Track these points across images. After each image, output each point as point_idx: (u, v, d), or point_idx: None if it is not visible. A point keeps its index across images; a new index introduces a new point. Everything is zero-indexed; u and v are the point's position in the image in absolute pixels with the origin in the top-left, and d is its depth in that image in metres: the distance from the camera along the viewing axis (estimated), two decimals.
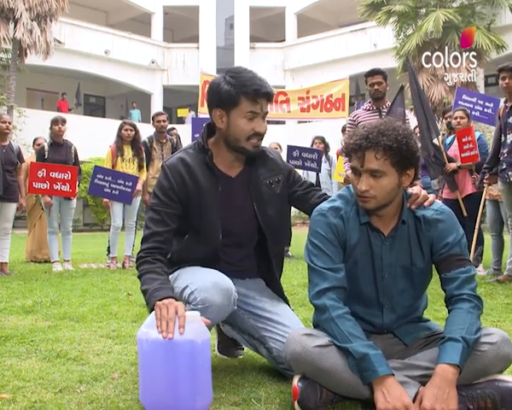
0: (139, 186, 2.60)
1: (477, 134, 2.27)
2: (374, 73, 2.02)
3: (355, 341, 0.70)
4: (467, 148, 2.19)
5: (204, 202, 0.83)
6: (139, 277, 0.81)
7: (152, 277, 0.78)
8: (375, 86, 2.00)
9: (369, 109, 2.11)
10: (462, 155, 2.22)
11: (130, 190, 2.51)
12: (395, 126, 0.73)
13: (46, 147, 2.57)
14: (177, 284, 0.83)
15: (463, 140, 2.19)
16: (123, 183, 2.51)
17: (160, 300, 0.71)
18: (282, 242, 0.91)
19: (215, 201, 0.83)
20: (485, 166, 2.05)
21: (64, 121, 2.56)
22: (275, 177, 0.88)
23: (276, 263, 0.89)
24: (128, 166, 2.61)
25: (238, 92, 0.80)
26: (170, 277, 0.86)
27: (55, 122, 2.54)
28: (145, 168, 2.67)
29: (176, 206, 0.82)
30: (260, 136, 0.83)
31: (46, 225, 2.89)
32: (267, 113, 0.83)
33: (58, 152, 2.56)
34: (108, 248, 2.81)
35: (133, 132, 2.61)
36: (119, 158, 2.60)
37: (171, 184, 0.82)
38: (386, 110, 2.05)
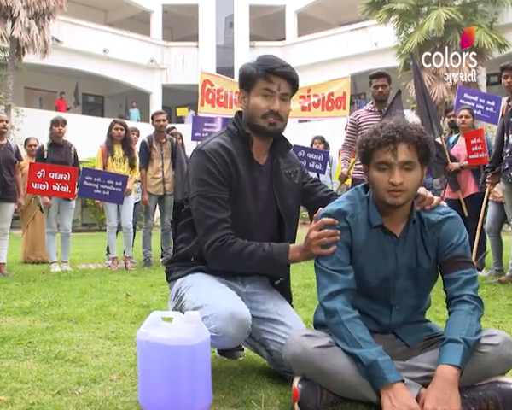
0: (130, 185, 2.57)
1: None
2: (379, 75, 2.06)
3: (365, 346, 0.70)
4: (475, 149, 2.17)
5: (241, 189, 0.83)
6: (231, 259, 0.80)
7: (255, 247, 0.79)
8: (380, 89, 2.10)
9: (371, 111, 2.13)
10: (471, 157, 2.19)
11: (120, 189, 2.49)
12: (411, 123, 0.74)
13: (45, 147, 2.55)
14: (190, 298, 0.81)
15: (472, 142, 2.17)
16: (113, 183, 2.48)
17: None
18: (295, 232, 0.91)
19: (250, 188, 0.84)
20: (487, 165, 2.05)
21: (64, 122, 2.54)
22: (293, 168, 0.90)
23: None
24: (119, 165, 2.58)
25: (257, 70, 0.83)
26: (180, 281, 0.85)
27: (55, 123, 2.51)
28: (137, 167, 2.64)
29: (226, 189, 0.82)
30: (276, 114, 0.83)
31: (39, 226, 2.89)
32: (287, 94, 0.84)
33: (58, 152, 2.54)
34: (108, 248, 2.80)
35: (124, 131, 2.58)
36: (110, 158, 2.57)
37: (217, 167, 0.81)
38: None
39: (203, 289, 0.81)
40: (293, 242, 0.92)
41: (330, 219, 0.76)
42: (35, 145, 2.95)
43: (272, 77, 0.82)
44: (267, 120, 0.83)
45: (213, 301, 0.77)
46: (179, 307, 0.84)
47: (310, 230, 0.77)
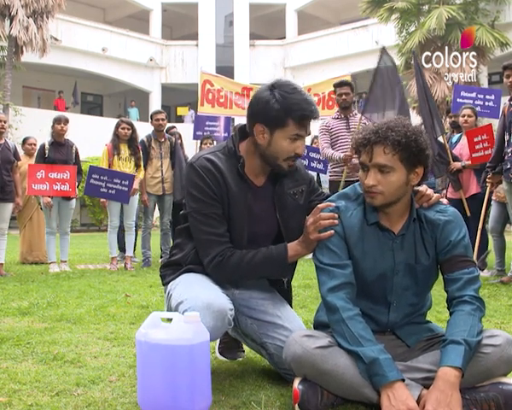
0: (136, 185, 2.56)
1: None
2: (343, 84, 2.17)
3: (366, 344, 0.70)
4: (479, 147, 2.13)
5: (234, 208, 0.82)
6: (232, 271, 0.80)
7: (254, 253, 0.79)
8: (343, 96, 2.14)
9: (337, 118, 2.24)
10: (474, 155, 2.15)
11: (126, 189, 2.48)
12: (405, 123, 0.73)
13: (47, 145, 2.54)
14: (174, 295, 0.83)
15: (475, 139, 2.14)
16: (119, 182, 2.47)
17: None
18: None
19: (244, 209, 0.82)
20: (488, 164, 2.03)
21: (67, 121, 2.51)
22: (299, 187, 0.88)
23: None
24: (125, 164, 2.58)
25: (287, 114, 0.79)
26: (171, 283, 0.86)
27: (57, 121, 2.49)
28: (142, 167, 2.63)
29: (219, 205, 0.81)
30: (299, 157, 0.83)
31: (36, 226, 2.86)
32: (310, 133, 0.83)
33: (59, 151, 2.53)
34: (120, 248, 2.79)
35: (130, 131, 2.57)
36: (116, 157, 2.57)
37: (209, 184, 0.80)
38: (352, 118, 2.17)
39: (186, 285, 0.82)
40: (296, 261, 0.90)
41: (325, 204, 0.77)
42: (34, 144, 2.92)
43: (305, 122, 0.80)
44: (289, 162, 0.82)
45: (192, 295, 0.77)
46: (169, 308, 0.84)
47: (307, 220, 0.78)
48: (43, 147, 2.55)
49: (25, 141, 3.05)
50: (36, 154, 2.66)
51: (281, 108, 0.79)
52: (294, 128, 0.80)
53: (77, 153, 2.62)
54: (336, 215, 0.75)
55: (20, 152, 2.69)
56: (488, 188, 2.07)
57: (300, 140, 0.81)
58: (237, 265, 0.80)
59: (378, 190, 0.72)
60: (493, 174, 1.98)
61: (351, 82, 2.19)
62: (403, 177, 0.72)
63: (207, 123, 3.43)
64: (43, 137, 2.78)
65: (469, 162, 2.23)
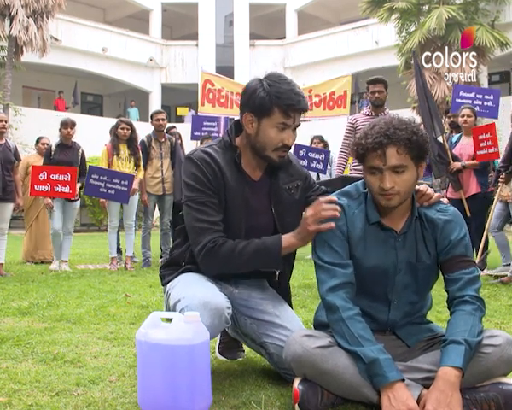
0: (135, 185, 2.56)
1: None
2: (376, 81, 2.09)
3: (365, 344, 0.70)
4: (483, 145, 2.10)
5: (231, 201, 0.82)
6: (223, 259, 0.79)
7: (247, 242, 0.78)
8: (377, 94, 2.07)
9: (368, 115, 2.19)
10: (478, 153, 2.14)
11: (126, 189, 2.48)
12: (405, 120, 0.73)
13: (53, 147, 2.56)
14: (172, 294, 0.83)
15: (480, 137, 2.12)
16: (119, 182, 2.48)
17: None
18: (294, 252, 0.88)
19: (241, 201, 0.82)
20: (500, 164, 2.04)
21: (73, 124, 2.51)
22: (294, 182, 0.88)
23: (286, 261, 0.88)
24: (124, 164, 2.58)
25: (272, 102, 0.79)
26: (169, 284, 0.86)
27: (64, 125, 2.52)
28: (142, 167, 2.63)
29: (216, 196, 0.81)
30: (288, 148, 0.83)
31: (42, 224, 2.88)
32: (299, 125, 0.82)
33: (64, 153, 2.56)
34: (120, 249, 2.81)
35: (129, 131, 2.58)
36: (115, 157, 2.58)
37: (206, 175, 0.80)
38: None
39: (184, 284, 0.82)
40: (293, 256, 0.90)
41: (328, 198, 0.77)
42: (47, 144, 2.94)
43: (291, 112, 0.79)
44: (278, 152, 0.82)
45: (189, 294, 0.77)
46: (168, 307, 0.84)
47: (306, 211, 0.78)
48: (49, 148, 2.58)
49: (38, 140, 3.08)
50: (44, 155, 2.68)
51: (266, 95, 0.79)
52: (280, 117, 0.79)
53: (83, 155, 2.64)
54: (339, 208, 0.74)
55: (23, 153, 2.73)
56: (499, 188, 2.08)
57: (288, 130, 0.81)
58: (229, 254, 0.79)
59: (395, 191, 0.71)
60: (506, 174, 1.99)
61: (385, 80, 2.08)
62: (414, 173, 0.73)
63: (205, 123, 3.43)
64: (49, 139, 2.77)
65: (469, 162, 2.22)
